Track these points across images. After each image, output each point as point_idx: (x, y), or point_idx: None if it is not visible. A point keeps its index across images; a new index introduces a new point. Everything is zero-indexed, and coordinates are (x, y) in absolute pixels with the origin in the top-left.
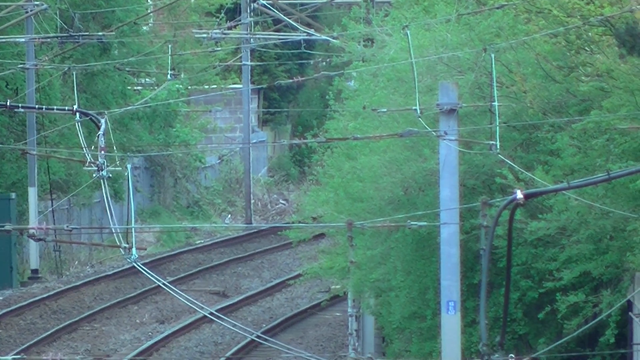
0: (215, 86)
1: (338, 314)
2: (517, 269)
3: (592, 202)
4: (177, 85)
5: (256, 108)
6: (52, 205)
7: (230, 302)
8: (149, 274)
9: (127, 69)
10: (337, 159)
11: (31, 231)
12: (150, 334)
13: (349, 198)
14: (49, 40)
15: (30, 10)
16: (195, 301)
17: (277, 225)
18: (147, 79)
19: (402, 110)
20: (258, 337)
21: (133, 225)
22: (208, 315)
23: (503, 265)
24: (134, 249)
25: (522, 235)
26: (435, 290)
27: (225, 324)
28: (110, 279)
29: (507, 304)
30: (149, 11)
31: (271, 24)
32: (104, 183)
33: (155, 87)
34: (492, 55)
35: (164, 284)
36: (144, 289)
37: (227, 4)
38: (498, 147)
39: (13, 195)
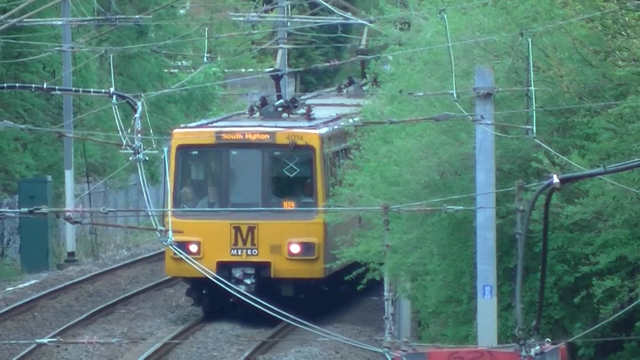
0: (251, 69)
1: (374, 297)
2: (553, 254)
3: (628, 186)
4: (213, 69)
5: (293, 91)
6: (88, 188)
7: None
8: (184, 256)
9: (163, 51)
10: (373, 143)
11: (67, 214)
12: (186, 317)
13: (385, 182)
14: (85, 23)
15: None
16: (229, 283)
17: (313, 209)
18: (183, 62)
19: (439, 94)
20: (293, 320)
21: (169, 208)
22: (242, 297)
23: (539, 249)
24: (170, 232)
25: (558, 219)
26: (471, 275)
27: (260, 307)
28: (146, 261)
29: (543, 288)
30: None
31: (307, 7)
32: (140, 166)
33: (192, 70)
34: (529, 40)
35: (198, 266)
36: None
37: None
38: (534, 131)
39: (49, 177)
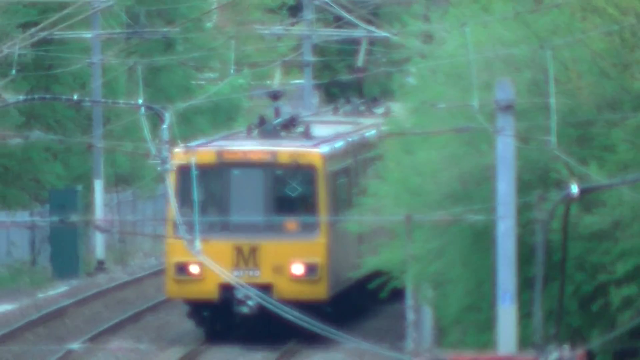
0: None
1: (397, 305)
2: (572, 263)
3: None
4: (239, 80)
5: (317, 102)
6: (117, 198)
7: None
8: (211, 265)
9: (190, 64)
10: (396, 154)
11: (97, 223)
12: None
13: (408, 192)
14: (114, 35)
15: (97, 7)
16: (254, 289)
17: (337, 218)
18: (210, 74)
19: (460, 106)
20: (319, 327)
21: (196, 217)
22: (264, 304)
23: (558, 258)
24: (197, 241)
25: (577, 229)
26: (492, 283)
27: (285, 314)
28: None
29: (562, 296)
30: (212, 7)
31: (332, 21)
32: (168, 176)
33: (218, 82)
34: (549, 53)
35: (226, 275)
36: None
37: (289, 1)
38: (554, 142)
39: (79, 187)
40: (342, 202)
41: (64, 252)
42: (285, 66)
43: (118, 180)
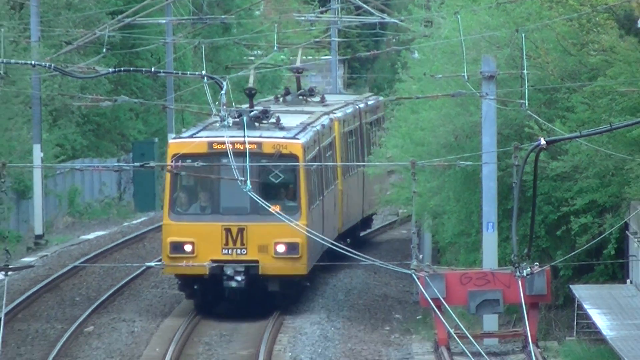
0: (310, 57)
1: (404, 231)
2: (541, 198)
3: (598, 147)
4: (281, 56)
5: (342, 74)
6: None
7: None
8: (259, 200)
9: (243, 43)
10: (404, 113)
11: (169, 167)
12: None
13: (413, 143)
14: (183, 21)
15: None
16: (286, 216)
17: (356, 164)
18: (258, 51)
19: (454, 76)
20: (339, 248)
21: (247, 163)
22: (296, 225)
23: (530, 194)
24: (248, 181)
25: (545, 172)
26: (478, 214)
27: (314, 237)
28: None
29: (533, 224)
30: None
31: (353, 9)
32: (226, 130)
33: (264, 58)
34: (523, 35)
35: (267, 205)
36: None
37: None
38: (527, 105)
39: (156, 139)
40: (316, 186)
41: (144, 190)
42: (317, 45)
43: None
